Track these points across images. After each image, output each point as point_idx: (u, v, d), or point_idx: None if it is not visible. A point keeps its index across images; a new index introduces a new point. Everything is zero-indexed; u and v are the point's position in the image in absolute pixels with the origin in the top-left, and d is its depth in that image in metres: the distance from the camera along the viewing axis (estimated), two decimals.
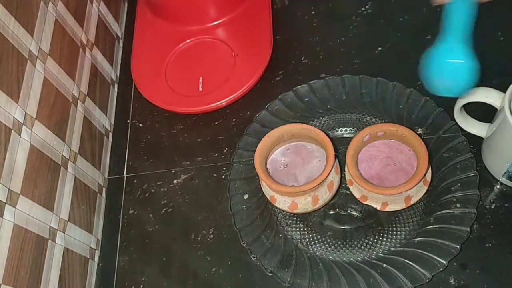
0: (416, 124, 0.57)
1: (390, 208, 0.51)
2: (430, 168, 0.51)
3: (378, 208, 0.51)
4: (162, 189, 0.63)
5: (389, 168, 0.52)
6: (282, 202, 0.52)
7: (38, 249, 0.50)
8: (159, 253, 0.59)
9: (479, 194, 0.51)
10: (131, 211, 0.62)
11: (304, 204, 0.51)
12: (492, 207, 0.53)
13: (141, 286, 0.57)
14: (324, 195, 0.52)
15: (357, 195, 0.52)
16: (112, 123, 0.71)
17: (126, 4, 0.82)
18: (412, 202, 0.50)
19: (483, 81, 0.44)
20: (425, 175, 0.48)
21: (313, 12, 0.72)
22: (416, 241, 0.51)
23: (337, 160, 0.52)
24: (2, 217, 0.45)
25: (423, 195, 0.51)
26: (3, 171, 0.46)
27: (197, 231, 0.59)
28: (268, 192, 0.53)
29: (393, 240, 0.52)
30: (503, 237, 0.51)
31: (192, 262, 0.57)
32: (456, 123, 0.55)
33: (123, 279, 0.58)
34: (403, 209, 0.51)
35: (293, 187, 0.50)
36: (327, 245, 0.54)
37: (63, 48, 0.60)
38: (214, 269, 0.56)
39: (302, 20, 0.71)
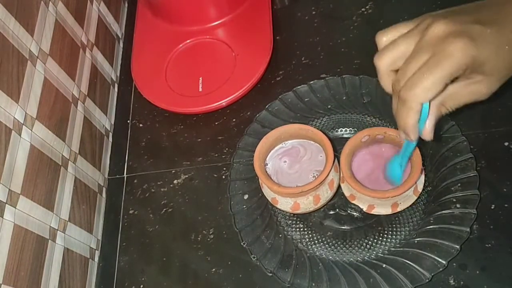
0: None
1: (376, 211, 0.51)
2: (423, 178, 0.51)
3: (364, 209, 0.51)
4: (162, 189, 0.63)
5: (383, 171, 0.52)
6: (284, 204, 0.52)
7: (38, 249, 0.50)
8: (159, 253, 0.59)
9: (479, 195, 0.51)
10: (131, 211, 0.62)
11: (306, 204, 0.51)
12: (492, 207, 0.53)
13: (141, 286, 0.57)
14: (326, 193, 0.52)
15: (346, 193, 0.53)
16: (112, 123, 0.71)
17: (126, 5, 0.82)
18: (398, 210, 0.50)
19: None
20: (414, 183, 0.48)
21: (313, 13, 0.72)
22: (416, 241, 0.51)
23: (336, 159, 0.52)
24: (2, 217, 0.45)
25: (412, 204, 0.51)
26: (3, 171, 0.46)
27: (197, 231, 0.59)
28: (269, 194, 0.53)
29: (393, 240, 0.52)
30: (503, 237, 0.51)
31: (192, 262, 0.57)
32: (456, 124, 0.55)
33: (123, 279, 0.58)
34: (388, 214, 0.51)
35: (294, 188, 0.50)
36: (327, 245, 0.54)
37: (63, 48, 0.60)
38: (214, 269, 0.56)
39: (302, 20, 0.72)
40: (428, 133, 0.39)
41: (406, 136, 0.40)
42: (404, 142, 0.45)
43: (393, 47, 0.38)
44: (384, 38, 0.40)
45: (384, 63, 0.39)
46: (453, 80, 0.36)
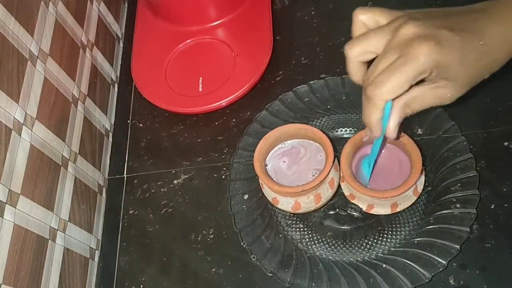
0: (416, 124, 0.57)
1: (375, 211, 0.51)
2: (423, 179, 0.51)
3: (364, 209, 0.51)
4: (162, 189, 0.63)
5: (383, 171, 0.52)
6: (285, 203, 0.52)
7: (38, 249, 0.50)
8: (159, 253, 0.59)
9: (479, 195, 0.51)
10: (131, 211, 0.62)
11: (307, 203, 0.51)
12: (492, 207, 0.53)
13: (141, 286, 0.57)
14: (326, 192, 0.52)
15: (346, 192, 0.53)
16: (112, 123, 0.71)
17: (126, 4, 0.82)
18: (398, 210, 0.50)
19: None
20: (414, 184, 0.48)
21: (313, 12, 0.72)
22: (416, 241, 0.51)
23: (336, 159, 0.52)
24: (2, 217, 0.45)
25: (412, 204, 0.51)
26: (3, 171, 0.46)
27: (197, 231, 0.59)
28: (269, 194, 0.53)
29: (393, 240, 0.52)
30: (503, 237, 0.51)
31: (192, 262, 0.57)
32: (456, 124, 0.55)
33: (123, 279, 0.58)
34: (388, 214, 0.51)
35: (295, 187, 0.50)
36: (327, 245, 0.54)
37: (63, 48, 0.60)
38: (214, 269, 0.56)
39: (302, 20, 0.72)
40: (390, 132, 0.40)
41: (370, 133, 0.41)
42: (374, 141, 0.47)
43: (365, 40, 0.39)
44: (361, 16, 0.41)
45: (353, 53, 0.40)
46: (419, 83, 0.37)
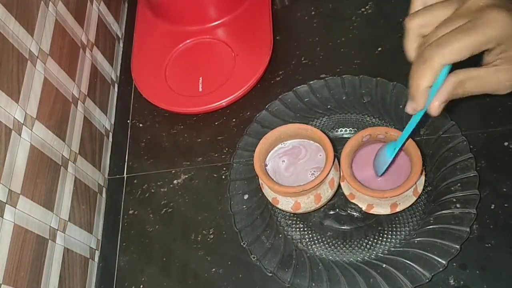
0: None
1: (375, 211, 0.51)
2: (423, 179, 0.51)
3: (364, 208, 0.51)
4: (162, 189, 0.63)
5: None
6: (285, 203, 0.52)
7: (38, 249, 0.50)
8: (159, 253, 0.59)
9: (479, 195, 0.51)
10: (131, 211, 0.62)
11: (307, 203, 0.51)
12: (492, 207, 0.53)
13: (141, 286, 0.57)
14: (326, 192, 0.52)
15: (346, 192, 0.53)
16: (112, 123, 0.71)
17: (126, 4, 0.82)
18: (397, 210, 0.50)
19: None
20: (414, 184, 0.48)
21: (313, 13, 0.72)
22: (416, 241, 0.51)
23: (336, 158, 0.52)
24: (2, 217, 0.45)
25: (412, 204, 0.51)
26: (3, 171, 0.46)
27: (197, 231, 0.59)
28: (270, 194, 0.53)
29: (393, 240, 0.52)
30: (503, 237, 0.51)
31: (192, 262, 0.57)
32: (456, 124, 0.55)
33: (123, 279, 0.58)
34: (388, 214, 0.51)
35: (296, 187, 0.50)
36: (327, 245, 0.54)
37: (63, 48, 0.60)
38: (214, 269, 0.56)
39: (302, 20, 0.72)
40: (435, 108, 0.37)
41: (413, 103, 0.38)
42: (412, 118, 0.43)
43: (429, 11, 0.37)
44: None
45: (415, 24, 0.37)
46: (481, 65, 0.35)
